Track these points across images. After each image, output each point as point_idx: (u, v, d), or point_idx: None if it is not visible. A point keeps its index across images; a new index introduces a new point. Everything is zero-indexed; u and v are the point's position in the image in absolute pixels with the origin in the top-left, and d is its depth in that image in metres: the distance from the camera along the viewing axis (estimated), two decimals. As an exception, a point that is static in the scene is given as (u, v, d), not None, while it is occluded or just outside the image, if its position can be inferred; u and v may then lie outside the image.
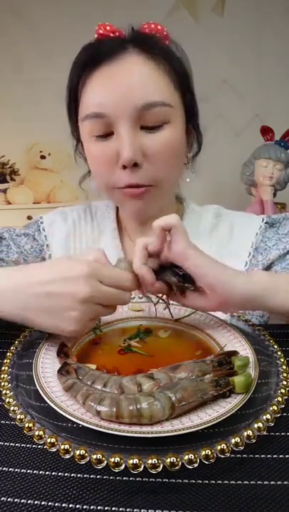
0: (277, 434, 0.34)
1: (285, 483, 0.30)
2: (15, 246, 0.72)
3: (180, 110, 0.61)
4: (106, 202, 0.77)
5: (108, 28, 0.60)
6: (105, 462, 0.28)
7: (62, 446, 0.29)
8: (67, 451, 0.29)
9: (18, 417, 0.33)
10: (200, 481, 0.30)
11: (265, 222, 0.71)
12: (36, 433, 0.31)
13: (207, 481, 0.30)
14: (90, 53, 0.59)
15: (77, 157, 0.71)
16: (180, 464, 0.28)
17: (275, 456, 0.32)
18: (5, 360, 0.41)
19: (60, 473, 0.31)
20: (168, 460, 0.28)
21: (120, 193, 0.62)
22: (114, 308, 0.47)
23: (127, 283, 0.45)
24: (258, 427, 0.31)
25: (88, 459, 0.29)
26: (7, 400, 0.35)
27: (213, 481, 0.30)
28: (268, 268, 0.68)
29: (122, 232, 0.75)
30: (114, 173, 0.60)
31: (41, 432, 0.31)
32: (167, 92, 0.58)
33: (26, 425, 0.32)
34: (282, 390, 0.36)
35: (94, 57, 0.58)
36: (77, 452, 0.29)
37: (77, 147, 0.70)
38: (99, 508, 0.28)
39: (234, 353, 0.41)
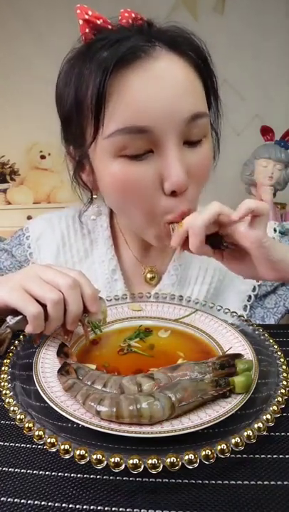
0: (277, 434, 0.34)
1: (285, 483, 0.30)
2: None
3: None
4: (97, 205, 0.67)
5: (90, 13, 0.50)
6: (105, 462, 0.28)
7: (62, 447, 0.29)
8: (67, 451, 0.29)
9: (18, 417, 0.33)
10: (200, 481, 0.30)
11: (280, 232, 0.69)
12: (36, 433, 0.31)
13: (207, 481, 0.30)
14: (110, 51, 0.45)
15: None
16: (180, 464, 0.28)
17: (275, 456, 0.32)
18: (5, 360, 0.41)
19: (60, 473, 0.31)
20: (168, 460, 0.28)
21: (162, 227, 0.51)
22: (39, 336, 0.46)
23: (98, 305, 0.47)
24: (258, 427, 0.31)
25: (88, 459, 0.29)
26: (7, 400, 0.35)
27: (213, 481, 0.30)
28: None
29: (116, 240, 0.68)
30: (158, 201, 0.49)
31: (41, 432, 0.31)
32: (203, 100, 0.51)
33: (26, 425, 0.32)
34: (282, 390, 0.36)
35: (117, 55, 0.45)
36: (77, 452, 0.29)
37: (77, 171, 0.58)
38: (99, 508, 0.28)
39: (238, 355, 0.40)
